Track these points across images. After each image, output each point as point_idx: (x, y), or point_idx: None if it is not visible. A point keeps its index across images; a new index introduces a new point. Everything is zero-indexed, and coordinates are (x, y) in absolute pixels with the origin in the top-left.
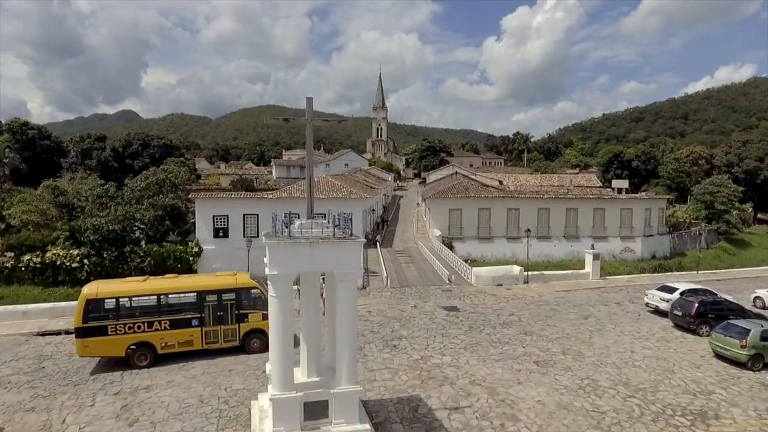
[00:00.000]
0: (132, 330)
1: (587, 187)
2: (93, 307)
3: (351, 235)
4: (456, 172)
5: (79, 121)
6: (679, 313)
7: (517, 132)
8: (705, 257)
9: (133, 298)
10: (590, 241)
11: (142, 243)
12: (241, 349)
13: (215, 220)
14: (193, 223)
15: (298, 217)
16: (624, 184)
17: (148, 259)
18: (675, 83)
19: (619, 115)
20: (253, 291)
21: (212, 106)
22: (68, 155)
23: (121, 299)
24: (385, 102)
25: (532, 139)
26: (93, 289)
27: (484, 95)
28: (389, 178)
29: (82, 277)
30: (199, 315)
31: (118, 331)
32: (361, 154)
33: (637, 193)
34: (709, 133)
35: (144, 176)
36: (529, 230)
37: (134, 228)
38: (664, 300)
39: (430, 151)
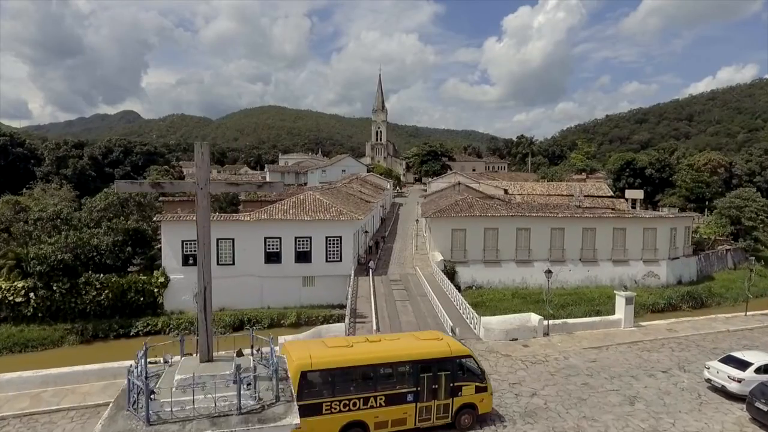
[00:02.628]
0: (347, 407)
1: (598, 196)
2: (307, 380)
3: (277, 399)
4: (459, 183)
5: (80, 122)
6: (765, 408)
7: (522, 135)
8: (734, 280)
9: (348, 369)
10: (609, 265)
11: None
12: (449, 426)
13: (184, 246)
14: (160, 249)
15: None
16: (639, 194)
17: (106, 291)
18: (676, 84)
19: (623, 117)
20: (465, 360)
21: (213, 107)
22: (43, 163)
23: (336, 371)
24: (385, 104)
25: (536, 141)
26: (304, 358)
27: (485, 96)
28: (388, 186)
29: (28, 313)
30: (414, 389)
31: (332, 409)
32: (360, 158)
33: (651, 203)
34: (714, 135)
35: (104, 195)
36: (550, 271)
37: (92, 255)
38: (733, 379)
39: (431, 156)
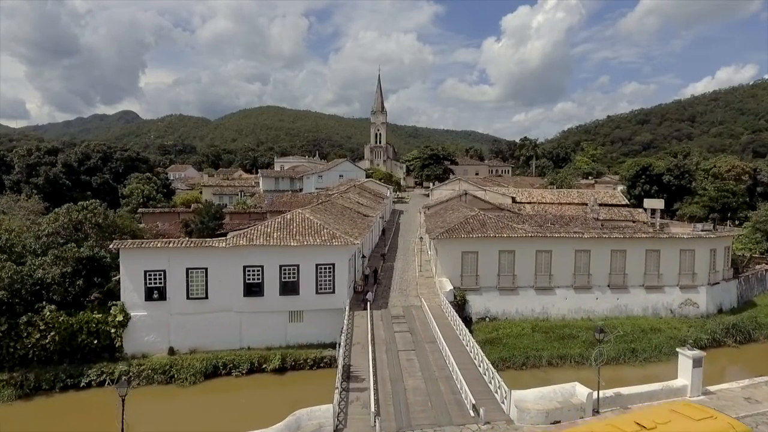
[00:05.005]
0: None
1: (613, 205)
2: None
3: None
4: (465, 192)
5: (79, 122)
6: None
7: (525, 137)
8: None
9: None
10: (641, 292)
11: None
12: None
13: (148, 278)
14: (119, 281)
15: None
16: (659, 204)
17: (52, 333)
18: (675, 84)
19: (624, 117)
20: None
21: (211, 107)
22: (12, 171)
23: None
24: (384, 105)
25: (537, 141)
26: None
27: (483, 96)
28: (388, 194)
29: None
30: None
31: None
32: (359, 161)
33: (668, 212)
34: (718, 136)
35: (53, 216)
36: (603, 331)
37: (37, 289)
38: None
39: (432, 160)
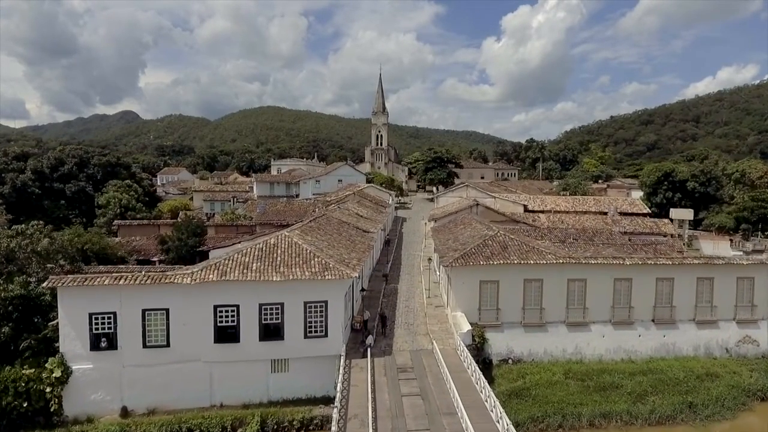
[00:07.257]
0: None
1: (634, 214)
2: None
3: None
4: (477, 203)
5: (79, 122)
6: None
7: (531, 139)
8: None
9: None
10: (691, 328)
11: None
12: None
13: (94, 322)
14: (57, 326)
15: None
16: (688, 214)
17: None
18: (676, 84)
19: (627, 118)
20: None
21: (210, 107)
22: None
23: None
24: (386, 106)
25: (543, 143)
26: None
27: (484, 96)
28: (390, 200)
29: None
30: None
31: None
32: (359, 164)
33: (693, 221)
34: (723, 137)
35: None
36: None
37: None
38: None
39: (436, 163)
